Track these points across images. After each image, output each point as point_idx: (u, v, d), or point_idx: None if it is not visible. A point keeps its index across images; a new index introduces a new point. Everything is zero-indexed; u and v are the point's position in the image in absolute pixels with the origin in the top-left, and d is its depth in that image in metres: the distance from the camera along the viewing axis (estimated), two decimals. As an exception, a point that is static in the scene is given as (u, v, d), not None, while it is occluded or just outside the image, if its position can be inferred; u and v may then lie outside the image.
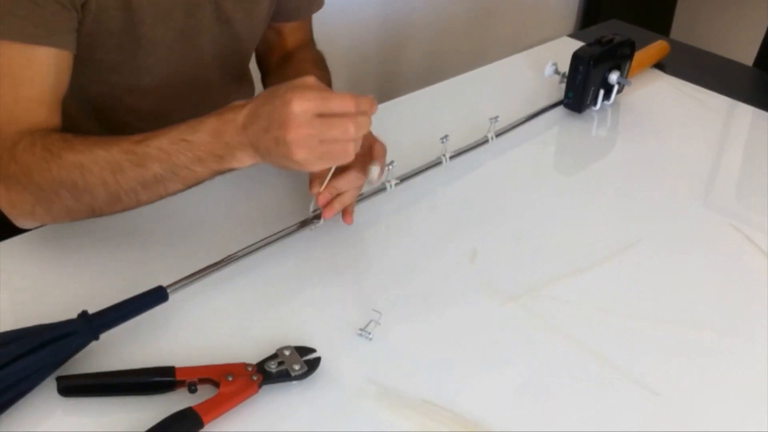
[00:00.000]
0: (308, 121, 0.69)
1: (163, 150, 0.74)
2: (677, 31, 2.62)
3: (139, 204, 0.78)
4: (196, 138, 0.73)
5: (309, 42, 1.11)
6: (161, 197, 0.78)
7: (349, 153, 0.72)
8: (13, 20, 0.75)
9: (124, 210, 0.79)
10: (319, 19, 1.11)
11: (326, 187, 0.82)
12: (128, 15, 0.85)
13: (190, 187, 0.77)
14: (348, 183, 0.83)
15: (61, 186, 0.75)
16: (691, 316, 0.81)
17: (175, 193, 0.77)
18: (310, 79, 0.72)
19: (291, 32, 1.08)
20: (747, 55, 1.50)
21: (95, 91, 0.93)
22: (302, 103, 0.69)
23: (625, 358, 0.76)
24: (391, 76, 2.01)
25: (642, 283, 0.86)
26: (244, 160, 0.74)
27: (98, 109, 0.95)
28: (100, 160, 0.75)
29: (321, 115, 0.69)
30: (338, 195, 0.84)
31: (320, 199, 0.83)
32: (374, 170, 0.85)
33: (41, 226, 0.85)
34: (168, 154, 0.74)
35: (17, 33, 0.76)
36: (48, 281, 0.81)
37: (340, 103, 0.70)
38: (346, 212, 0.87)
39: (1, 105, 0.78)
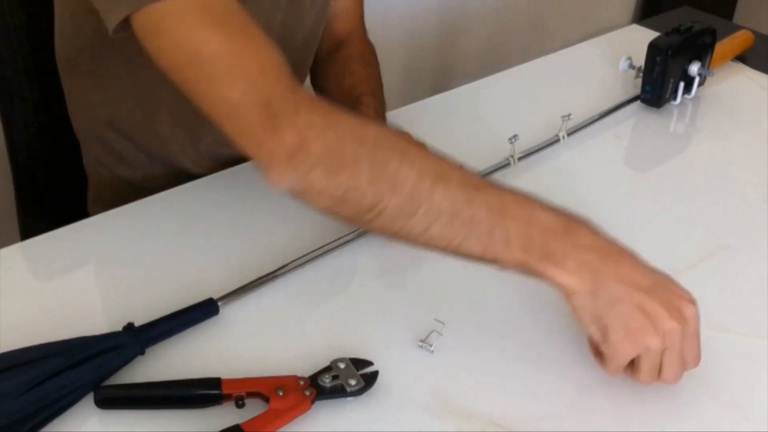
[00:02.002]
0: (676, 332, 0.62)
1: (505, 204, 0.63)
2: (739, 18, 2.50)
3: (419, 237, 0.64)
4: (544, 218, 0.63)
5: (358, 30, 1.03)
6: (443, 248, 0.64)
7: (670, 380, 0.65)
8: None
9: (391, 236, 0.65)
10: (374, 7, 1.05)
11: None
12: None
13: (476, 260, 0.64)
14: None
15: (366, 157, 0.62)
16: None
17: (458, 252, 0.64)
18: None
19: (338, 18, 1.00)
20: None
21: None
22: (688, 322, 0.63)
23: (716, 377, 0.69)
24: (448, 66, 1.95)
25: (734, 293, 0.79)
26: (563, 278, 0.63)
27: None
28: (428, 161, 0.64)
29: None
30: None
31: None
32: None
33: (289, 193, 0.65)
34: (501, 211, 0.63)
35: None
36: (82, 284, 0.76)
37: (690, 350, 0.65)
38: None
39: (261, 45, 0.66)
